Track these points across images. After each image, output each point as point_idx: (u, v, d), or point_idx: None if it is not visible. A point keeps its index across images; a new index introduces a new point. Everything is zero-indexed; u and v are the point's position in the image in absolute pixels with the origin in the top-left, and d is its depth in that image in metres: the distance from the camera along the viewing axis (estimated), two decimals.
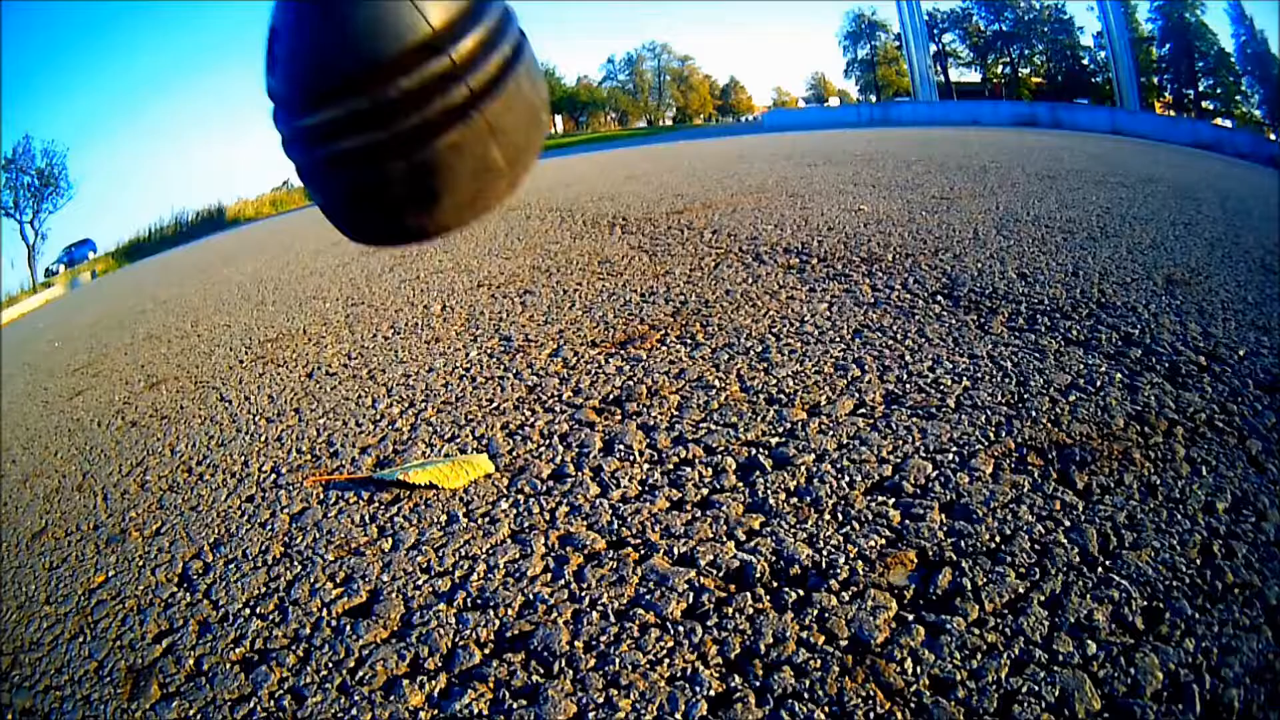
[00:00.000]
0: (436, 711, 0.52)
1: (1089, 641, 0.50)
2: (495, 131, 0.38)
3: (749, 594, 0.58)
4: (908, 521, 0.66)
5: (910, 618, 0.54)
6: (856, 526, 0.66)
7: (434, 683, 0.54)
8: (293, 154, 0.38)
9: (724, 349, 1.18)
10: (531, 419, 1.01)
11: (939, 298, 1.31)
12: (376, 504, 0.83)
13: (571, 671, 0.53)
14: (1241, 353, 0.94)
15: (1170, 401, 0.83)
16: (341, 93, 0.35)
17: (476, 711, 0.51)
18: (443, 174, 0.37)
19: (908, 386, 0.95)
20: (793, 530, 0.66)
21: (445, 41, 0.36)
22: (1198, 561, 0.56)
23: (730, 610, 0.57)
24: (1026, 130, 8.22)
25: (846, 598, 0.57)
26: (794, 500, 0.71)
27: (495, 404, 1.09)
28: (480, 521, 0.76)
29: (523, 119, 0.39)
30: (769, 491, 0.73)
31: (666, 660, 0.53)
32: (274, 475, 0.97)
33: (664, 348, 1.23)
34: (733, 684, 0.50)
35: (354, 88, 0.35)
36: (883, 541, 0.63)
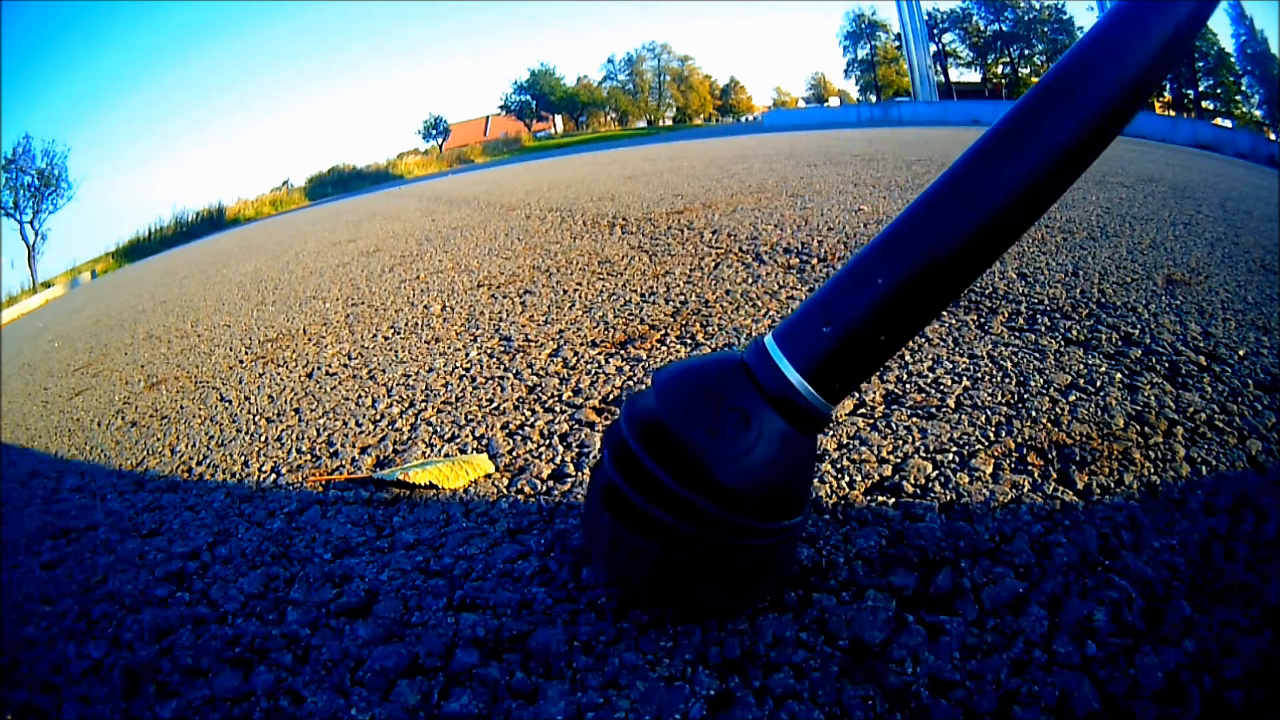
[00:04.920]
0: (436, 711, 0.51)
1: (1089, 641, 0.50)
2: (795, 543, 0.55)
3: None
4: (908, 521, 0.66)
5: (910, 618, 0.54)
6: (856, 526, 0.66)
7: (433, 683, 0.54)
8: (655, 515, 0.51)
9: (724, 349, 1.18)
10: (531, 419, 1.01)
11: None
12: (376, 504, 0.83)
13: (571, 671, 0.53)
14: (1241, 353, 0.94)
15: (1170, 401, 0.83)
16: (759, 511, 0.49)
17: (476, 711, 0.51)
18: (775, 566, 0.54)
19: (908, 386, 0.95)
20: None
21: (805, 514, 0.53)
22: (1198, 561, 0.56)
23: None
24: None
25: (846, 598, 0.57)
26: None
27: (495, 404, 1.09)
28: (479, 521, 0.76)
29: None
30: None
31: (666, 660, 0.53)
32: (274, 475, 0.97)
33: (664, 348, 1.23)
34: (733, 684, 0.50)
35: (769, 514, 0.50)
36: (883, 541, 0.63)
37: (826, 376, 0.48)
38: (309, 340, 1.74)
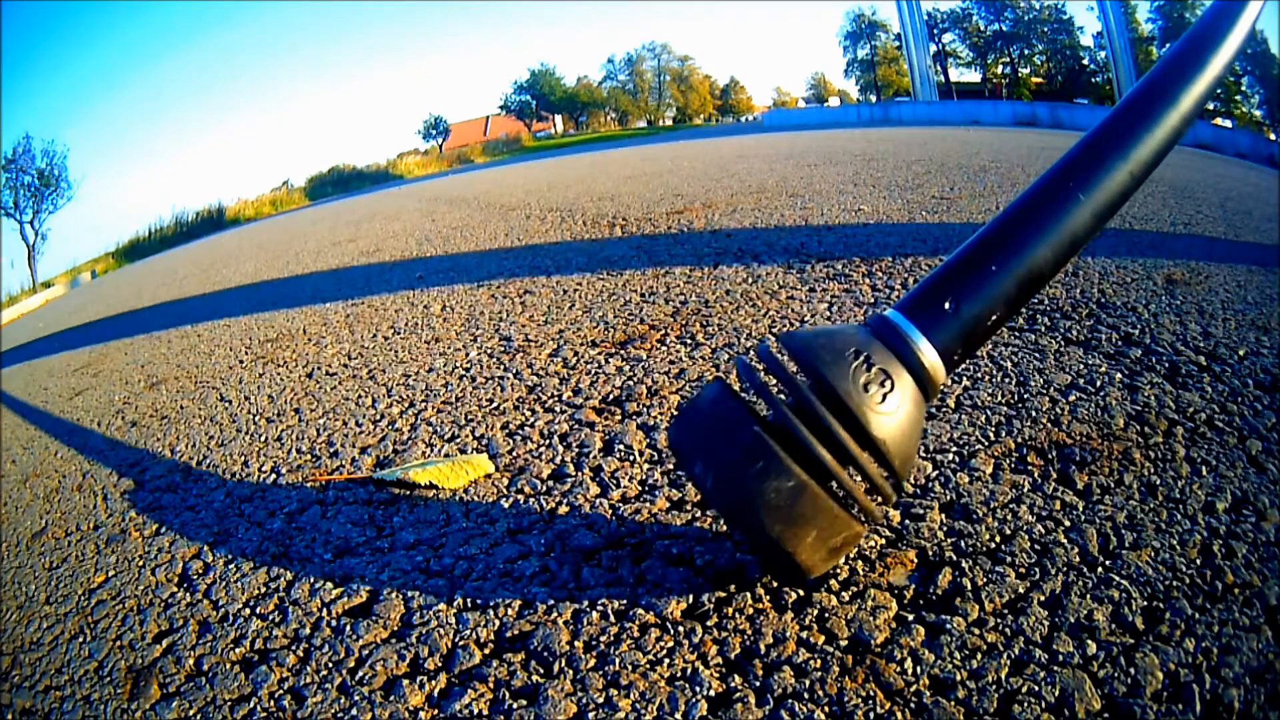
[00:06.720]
0: (436, 711, 0.52)
1: (1089, 641, 0.50)
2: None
3: (749, 594, 0.58)
4: (908, 521, 0.66)
5: (910, 618, 0.54)
6: None
7: (434, 683, 0.54)
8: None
9: (724, 349, 1.18)
10: (531, 419, 1.01)
11: None
12: (376, 504, 0.83)
13: (571, 671, 0.53)
14: (1241, 353, 0.94)
15: (1170, 401, 0.83)
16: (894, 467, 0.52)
17: (476, 711, 0.51)
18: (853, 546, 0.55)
19: None
20: None
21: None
22: (1198, 561, 0.56)
23: (730, 610, 0.57)
24: (1026, 130, 8.22)
25: (846, 598, 0.57)
26: None
27: (495, 404, 1.09)
28: (479, 521, 0.76)
29: None
30: None
31: (666, 660, 0.53)
32: (274, 475, 0.97)
33: (664, 348, 1.23)
34: (733, 684, 0.50)
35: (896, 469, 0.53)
36: (883, 542, 0.63)
37: (949, 349, 0.54)
38: (309, 340, 1.74)
